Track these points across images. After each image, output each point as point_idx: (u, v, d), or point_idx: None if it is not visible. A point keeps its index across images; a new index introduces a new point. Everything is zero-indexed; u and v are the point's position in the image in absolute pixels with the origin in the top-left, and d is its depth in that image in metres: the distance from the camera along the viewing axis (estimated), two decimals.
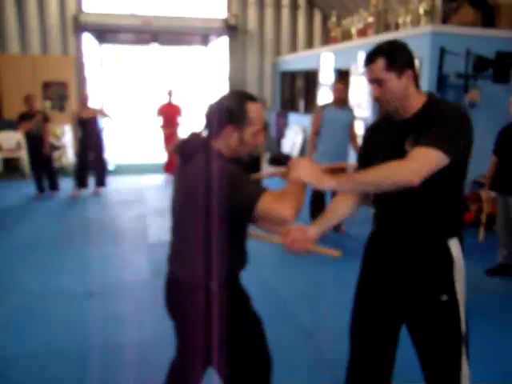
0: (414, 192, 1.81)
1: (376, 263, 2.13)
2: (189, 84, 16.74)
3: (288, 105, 11.90)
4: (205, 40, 13.16)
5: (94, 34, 11.78)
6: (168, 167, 9.04)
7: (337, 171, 5.96)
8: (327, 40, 10.82)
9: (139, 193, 8.24)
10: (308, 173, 1.83)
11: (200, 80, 14.24)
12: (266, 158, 9.93)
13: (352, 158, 5.79)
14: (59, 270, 4.77)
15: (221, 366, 2.01)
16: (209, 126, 1.91)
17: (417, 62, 6.05)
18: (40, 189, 7.82)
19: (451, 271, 1.96)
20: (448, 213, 1.95)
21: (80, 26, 11.02)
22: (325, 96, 9.06)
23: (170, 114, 8.76)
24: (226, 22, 11.71)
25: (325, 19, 11.95)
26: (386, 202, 2.06)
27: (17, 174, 9.44)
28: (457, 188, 1.99)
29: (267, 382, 2.15)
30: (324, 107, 5.75)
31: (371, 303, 2.15)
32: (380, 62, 1.86)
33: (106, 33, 12.09)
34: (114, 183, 8.79)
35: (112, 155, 10.84)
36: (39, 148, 7.59)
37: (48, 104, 10.58)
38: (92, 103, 8.16)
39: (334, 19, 9.77)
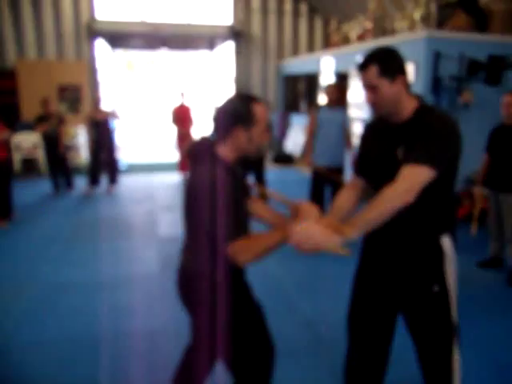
0: (416, 206, 1.83)
1: (372, 256, 2.15)
2: (196, 87, 16.77)
3: (290, 106, 11.90)
4: (211, 45, 13.18)
5: (107, 40, 11.82)
6: (182, 166, 8.98)
7: (334, 173, 5.96)
8: (327, 44, 10.82)
9: (150, 191, 8.26)
10: (322, 240, 1.71)
11: (207, 83, 14.25)
12: (269, 156, 9.94)
13: (347, 158, 5.76)
14: (74, 263, 4.82)
15: (226, 354, 2.03)
16: (217, 128, 1.93)
17: (413, 66, 6.10)
18: (56, 187, 7.88)
19: (442, 264, 1.99)
20: (439, 212, 1.96)
21: (93, 33, 11.07)
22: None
23: (182, 115, 8.68)
24: (231, 28, 11.72)
25: (325, 25, 11.95)
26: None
27: (34, 173, 9.49)
28: (447, 191, 2.00)
29: (270, 369, 2.17)
30: (318, 109, 5.67)
31: (367, 294, 2.16)
32: (373, 69, 1.86)
33: (117, 38, 12.12)
34: (126, 182, 8.82)
35: (125, 154, 10.88)
36: (55, 148, 7.65)
37: (63, 106, 10.63)
38: (104, 105, 8.20)
39: (334, 25, 9.76)
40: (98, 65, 11.44)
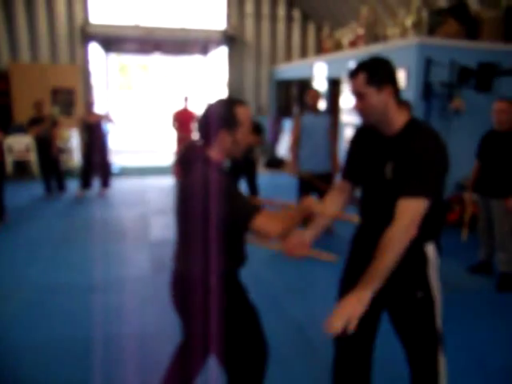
0: (392, 212, 1.86)
1: (358, 260, 2.14)
2: (190, 91, 16.75)
3: (283, 111, 11.90)
4: (205, 50, 13.17)
5: (100, 44, 11.77)
6: (177, 170, 8.87)
7: (320, 179, 5.93)
8: (320, 50, 10.84)
9: (142, 194, 8.21)
10: (349, 311, 1.70)
11: (200, 87, 14.23)
12: (261, 161, 9.91)
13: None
14: (65, 265, 4.76)
15: (220, 353, 2.05)
16: (204, 134, 1.95)
17: (404, 72, 6.10)
18: (48, 189, 7.80)
19: (426, 271, 2.00)
20: (425, 221, 1.94)
21: (87, 36, 11.01)
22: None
23: (184, 119, 8.54)
24: (224, 32, 11.72)
25: (318, 31, 11.97)
26: (369, 212, 2.10)
27: (26, 175, 9.41)
28: (434, 201, 1.98)
29: (263, 369, 2.17)
30: (301, 114, 5.58)
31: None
32: (361, 77, 1.86)
33: (111, 42, 12.08)
34: (118, 185, 8.75)
35: (117, 157, 10.82)
36: (48, 151, 7.58)
37: (56, 109, 10.57)
38: (98, 109, 8.14)
39: (326, 31, 9.78)
40: (92, 68, 11.39)
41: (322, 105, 8.02)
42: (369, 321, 2.14)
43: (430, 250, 2.01)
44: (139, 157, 12.63)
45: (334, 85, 8.87)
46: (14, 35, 10.57)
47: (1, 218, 6.16)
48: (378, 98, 1.86)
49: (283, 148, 11.06)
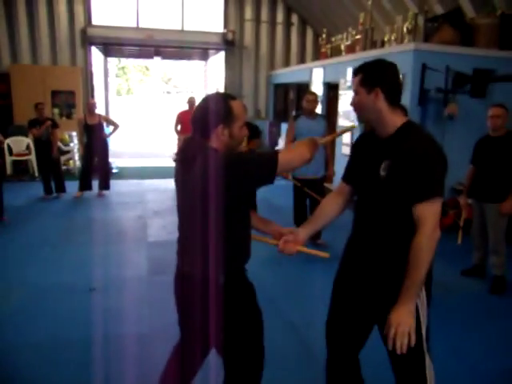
0: (386, 215, 1.93)
1: (350, 265, 2.15)
2: (193, 93, 16.79)
3: (281, 115, 11.91)
4: (204, 55, 13.19)
5: (100, 48, 11.78)
6: None
7: (315, 184, 5.84)
8: (318, 55, 10.86)
9: (140, 195, 8.20)
10: (407, 327, 1.85)
11: (200, 91, 14.25)
12: None
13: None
14: (63, 266, 4.75)
15: (222, 351, 2.06)
16: (201, 129, 1.93)
17: (400, 77, 6.11)
18: (47, 190, 7.77)
19: None
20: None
21: (88, 39, 11.02)
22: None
23: (188, 121, 8.40)
24: (223, 37, 11.74)
25: (316, 36, 12.00)
26: (362, 214, 2.10)
27: (26, 175, 9.40)
28: None
29: (261, 370, 2.16)
30: (296, 117, 5.49)
31: (345, 303, 2.15)
32: (358, 77, 1.96)
33: (111, 46, 12.08)
34: (117, 186, 8.73)
35: (116, 159, 10.81)
36: (47, 152, 7.56)
37: (56, 111, 10.57)
38: (98, 111, 8.12)
39: (324, 36, 9.81)
40: (92, 71, 11.39)
41: (318, 109, 8.03)
42: (359, 338, 2.17)
43: None
44: (139, 159, 12.63)
45: (332, 89, 8.90)
46: (15, 37, 10.58)
47: (0, 218, 6.14)
48: (367, 98, 1.93)
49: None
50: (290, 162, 1.94)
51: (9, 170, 9.22)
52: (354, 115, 7.75)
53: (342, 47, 8.68)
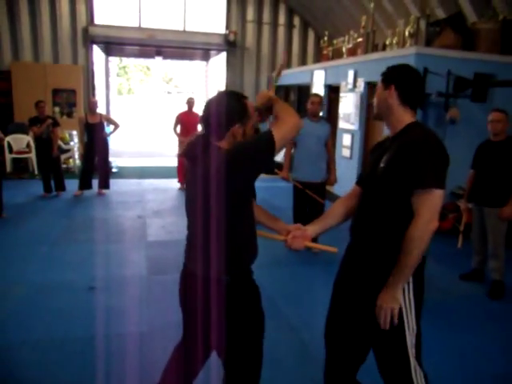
0: (385, 210, 1.94)
1: (348, 268, 2.15)
2: (193, 94, 16.80)
3: None
4: (205, 55, 13.19)
5: (102, 47, 11.78)
6: (179, 174, 8.66)
7: (316, 188, 5.79)
8: (319, 58, 10.87)
9: (140, 195, 8.19)
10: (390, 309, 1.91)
11: (201, 92, 14.26)
12: None
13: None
14: (63, 264, 4.74)
15: (223, 353, 2.05)
16: (213, 127, 1.92)
17: None
18: (47, 188, 7.76)
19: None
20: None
21: (90, 38, 11.02)
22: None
23: (188, 122, 8.27)
24: (225, 38, 11.75)
25: (318, 38, 12.00)
26: (360, 214, 2.11)
27: (26, 173, 9.38)
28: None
29: (259, 371, 2.15)
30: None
31: (344, 308, 2.14)
32: (383, 75, 2.09)
33: (112, 46, 12.08)
34: (116, 185, 8.72)
35: (116, 159, 10.80)
36: (47, 150, 7.55)
37: (57, 110, 10.56)
38: (99, 110, 8.11)
39: (326, 39, 9.81)
40: (94, 70, 11.38)
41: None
42: (360, 333, 2.12)
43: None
44: (139, 159, 12.63)
45: (333, 92, 8.90)
46: (17, 34, 10.57)
47: None
48: (382, 94, 2.05)
49: (281, 153, 11.06)
50: (285, 137, 1.92)
51: (9, 167, 9.22)
52: (353, 118, 7.79)
53: (344, 50, 8.69)
